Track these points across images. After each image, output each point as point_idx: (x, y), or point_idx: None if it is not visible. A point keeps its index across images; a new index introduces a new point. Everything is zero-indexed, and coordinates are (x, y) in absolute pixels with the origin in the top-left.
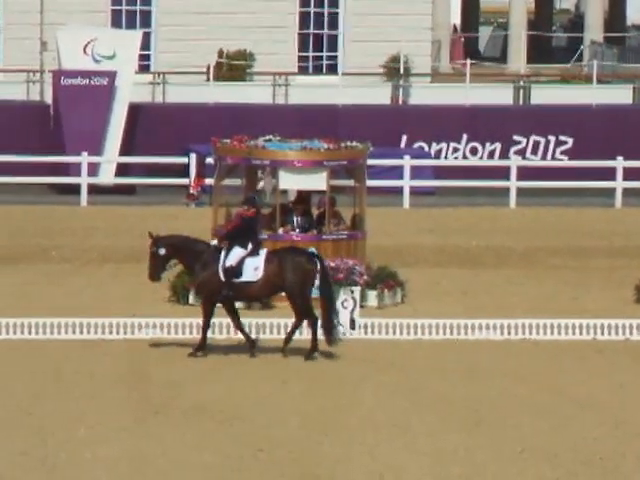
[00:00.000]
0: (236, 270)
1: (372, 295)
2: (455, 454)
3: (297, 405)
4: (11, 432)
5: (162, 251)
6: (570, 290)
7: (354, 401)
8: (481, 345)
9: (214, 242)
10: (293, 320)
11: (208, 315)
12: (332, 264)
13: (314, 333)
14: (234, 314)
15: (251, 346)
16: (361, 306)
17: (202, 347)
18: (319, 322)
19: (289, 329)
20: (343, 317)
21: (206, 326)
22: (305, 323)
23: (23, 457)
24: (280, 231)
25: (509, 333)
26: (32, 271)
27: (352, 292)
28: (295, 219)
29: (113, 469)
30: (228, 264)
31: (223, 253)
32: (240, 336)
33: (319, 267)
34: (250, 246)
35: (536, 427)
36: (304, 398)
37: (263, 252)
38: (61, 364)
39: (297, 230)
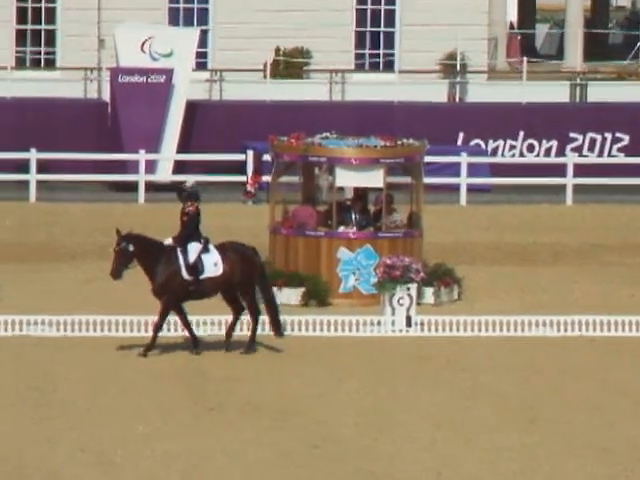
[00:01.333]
0: (198, 267)
1: (429, 292)
2: (512, 451)
3: (353, 402)
4: (69, 428)
5: (131, 247)
6: (627, 287)
7: (410, 398)
8: (538, 342)
9: (168, 241)
10: (232, 316)
11: (165, 316)
12: (389, 261)
13: (255, 328)
14: (183, 311)
15: (195, 345)
16: (417, 303)
17: (151, 347)
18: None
19: (229, 323)
20: (399, 315)
21: (159, 327)
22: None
23: (81, 453)
24: (341, 229)
25: (566, 330)
26: (90, 268)
27: (408, 289)
28: (352, 216)
29: (171, 465)
30: (192, 261)
31: (179, 251)
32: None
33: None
34: (202, 242)
35: (592, 424)
36: (360, 395)
37: (212, 247)
38: (119, 361)
39: (354, 228)
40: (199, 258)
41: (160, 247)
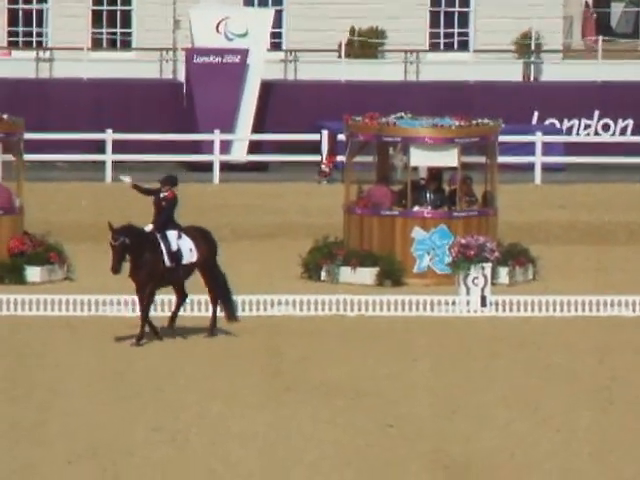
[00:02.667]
0: (178, 253)
1: (503, 272)
2: (587, 432)
3: (427, 382)
4: (144, 408)
5: (127, 240)
6: None
7: (485, 378)
8: (613, 322)
9: (148, 228)
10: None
11: (150, 303)
12: (463, 241)
13: (216, 310)
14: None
15: (156, 333)
16: (492, 283)
17: (143, 336)
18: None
19: (212, 308)
20: (474, 294)
21: (148, 314)
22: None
23: (156, 432)
24: (415, 208)
25: None
26: None
27: (483, 269)
28: (427, 196)
29: (246, 445)
30: (175, 248)
31: (159, 238)
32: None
33: None
34: (176, 228)
35: None
36: (434, 375)
37: (183, 234)
38: (195, 340)
39: (429, 207)
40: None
41: (146, 236)
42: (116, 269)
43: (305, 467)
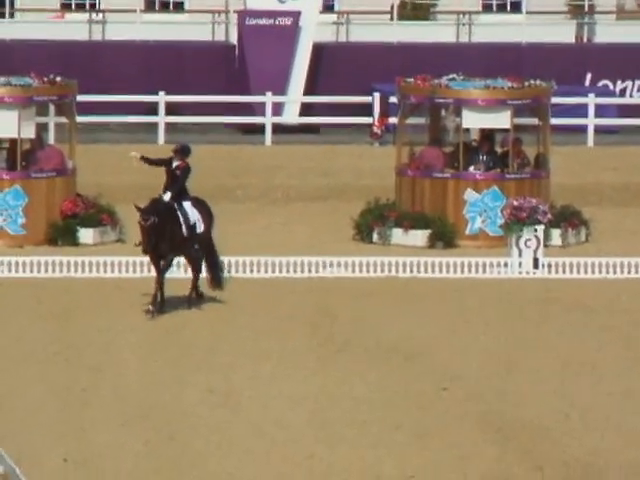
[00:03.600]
0: (195, 224)
1: (556, 234)
2: None
3: (480, 343)
4: (197, 369)
5: (156, 220)
6: None
7: (538, 339)
8: None
9: (167, 197)
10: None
11: (164, 274)
12: (516, 203)
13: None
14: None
15: (161, 304)
16: (545, 245)
17: (159, 302)
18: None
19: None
20: (526, 256)
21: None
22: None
23: (208, 394)
24: (471, 169)
25: None
26: (218, 211)
27: (535, 231)
28: (480, 157)
29: (298, 407)
30: (193, 220)
31: (177, 209)
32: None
33: None
34: (189, 199)
35: None
36: (488, 336)
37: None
38: (246, 302)
39: (481, 169)
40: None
41: (170, 208)
42: (148, 250)
43: (356, 429)
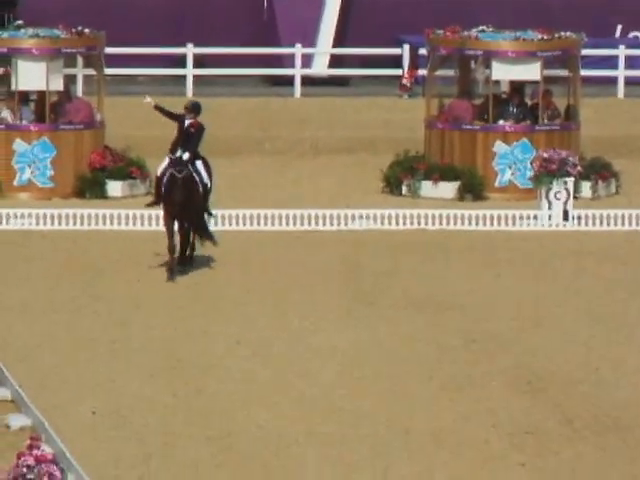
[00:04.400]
0: (209, 185)
1: (586, 186)
2: None
3: (511, 296)
4: (227, 322)
5: (189, 172)
6: None
7: (568, 292)
8: None
9: (186, 156)
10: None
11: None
12: (545, 155)
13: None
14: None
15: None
16: (574, 197)
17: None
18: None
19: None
20: (556, 209)
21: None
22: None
23: (237, 346)
24: (501, 122)
25: None
26: (246, 163)
27: (565, 183)
28: (509, 110)
29: (327, 360)
30: (209, 183)
31: (193, 170)
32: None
33: None
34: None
35: None
36: (517, 289)
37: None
38: (274, 255)
39: (511, 121)
40: None
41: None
42: (178, 201)
43: (386, 382)
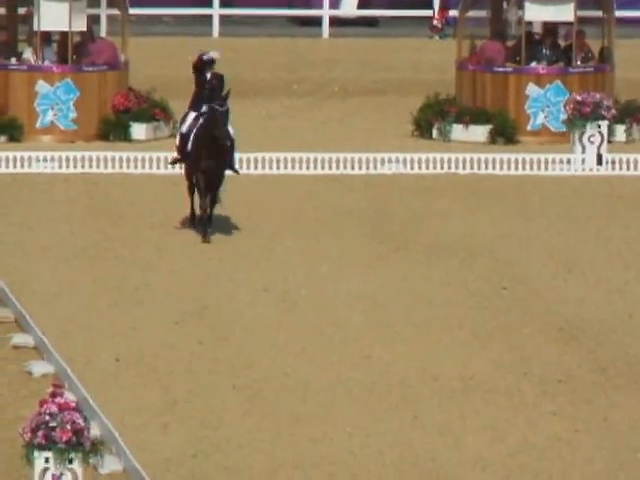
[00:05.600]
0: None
1: (620, 130)
2: None
3: (542, 242)
4: (253, 268)
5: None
6: None
7: (601, 238)
8: None
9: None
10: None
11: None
12: (579, 97)
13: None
14: None
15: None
16: (608, 141)
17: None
18: None
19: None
20: (590, 153)
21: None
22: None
23: (264, 293)
24: (533, 64)
25: None
26: (274, 105)
27: (599, 127)
28: (543, 51)
29: (355, 306)
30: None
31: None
32: None
33: None
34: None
35: None
36: (549, 235)
37: None
38: (302, 200)
39: (544, 63)
40: None
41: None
42: (219, 138)
43: (415, 328)
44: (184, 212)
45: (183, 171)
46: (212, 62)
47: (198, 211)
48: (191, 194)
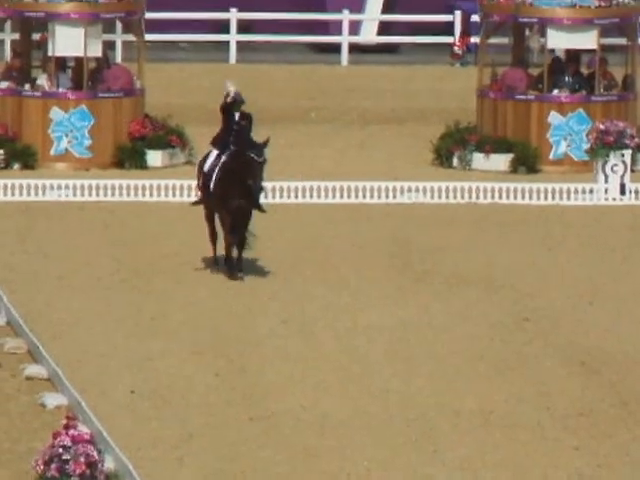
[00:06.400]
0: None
1: None
2: None
3: (564, 272)
4: (271, 299)
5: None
6: None
7: (624, 269)
8: None
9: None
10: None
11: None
12: (602, 126)
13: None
14: None
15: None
16: (632, 170)
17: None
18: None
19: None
20: (613, 182)
21: None
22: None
23: (282, 324)
24: (555, 92)
25: None
26: (292, 133)
27: (623, 156)
28: (565, 79)
29: (374, 338)
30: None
31: None
32: None
33: None
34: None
35: None
36: (571, 266)
37: None
38: (320, 229)
39: (566, 91)
40: None
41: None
42: (255, 186)
43: (435, 361)
44: (200, 242)
45: (204, 215)
46: (240, 102)
47: (223, 252)
48: (213, 240)
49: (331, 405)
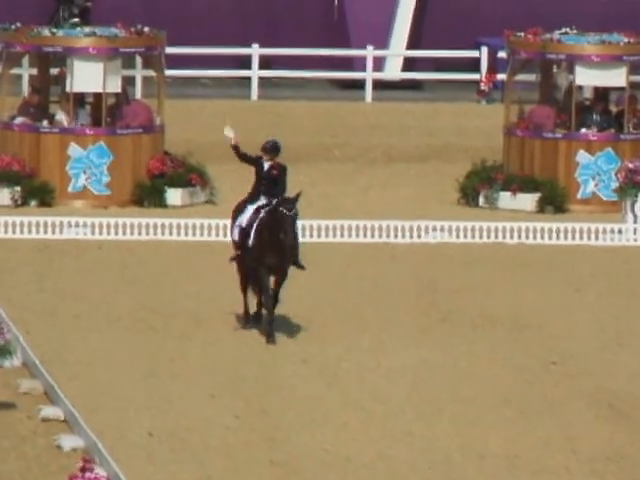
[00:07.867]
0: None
1: None
2: None
3: (592, 314)
4: (292, 339)
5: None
6: None
7: None
8: None
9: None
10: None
11: None
12: (631, 165)
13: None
14: None
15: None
16: None
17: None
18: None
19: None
20: None
21: None
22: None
23: (303, 365)
24: (584, 130)
25: None
26: (314, 170)
27: None
28: (593, 117)
29: (397, 380)
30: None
31: None
32: None
33: None
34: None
35: None
36: (599, 307)
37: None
38: (343, 268)
39: (595, 129)
40: None
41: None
42: (287, 242)
43: (460, 404)
44: (221, 280)
45: (236, 269)
46: (276, 150)
47: (256, 309)
48: (245, 292)
49: (353, 448)
